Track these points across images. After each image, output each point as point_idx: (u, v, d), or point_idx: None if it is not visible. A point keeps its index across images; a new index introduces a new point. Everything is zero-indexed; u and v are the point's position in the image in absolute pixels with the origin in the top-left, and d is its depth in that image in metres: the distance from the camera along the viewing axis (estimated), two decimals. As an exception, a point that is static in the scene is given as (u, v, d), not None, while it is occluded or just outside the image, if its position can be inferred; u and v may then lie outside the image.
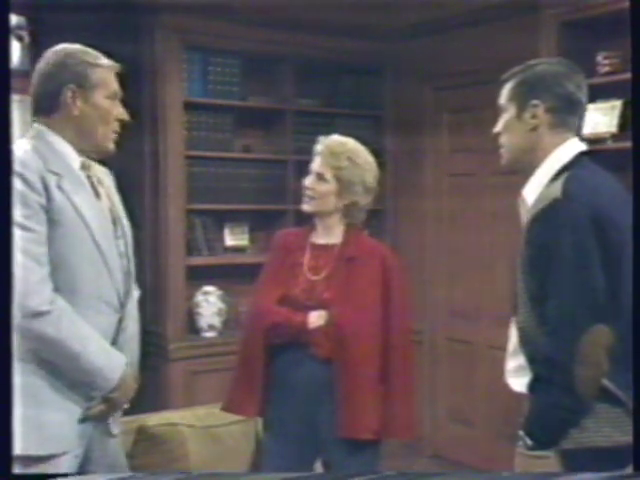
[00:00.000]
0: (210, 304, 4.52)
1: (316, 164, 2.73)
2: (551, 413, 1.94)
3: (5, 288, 1.93)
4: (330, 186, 2.70)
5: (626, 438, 1.91)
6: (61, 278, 2.14)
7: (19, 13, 4.22)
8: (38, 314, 2.09)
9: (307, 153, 4.75)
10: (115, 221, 2.32)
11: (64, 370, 2.16)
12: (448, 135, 4.94)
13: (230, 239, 4.83)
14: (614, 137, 3.58)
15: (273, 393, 2.68)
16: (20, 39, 4.26)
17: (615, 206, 1.97)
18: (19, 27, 4.25)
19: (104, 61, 2.28)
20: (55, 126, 2.24)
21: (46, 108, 2.27)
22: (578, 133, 2.14)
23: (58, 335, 2.12)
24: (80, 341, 2.16)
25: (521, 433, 1.98)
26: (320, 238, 2.75)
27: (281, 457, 2.67)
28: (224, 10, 4.39)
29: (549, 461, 1.94)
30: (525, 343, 2.02)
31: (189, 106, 4.47)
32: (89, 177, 2.28)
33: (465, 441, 4.62)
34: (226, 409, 2.80)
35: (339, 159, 2.70)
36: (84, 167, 2.27)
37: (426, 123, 5.03)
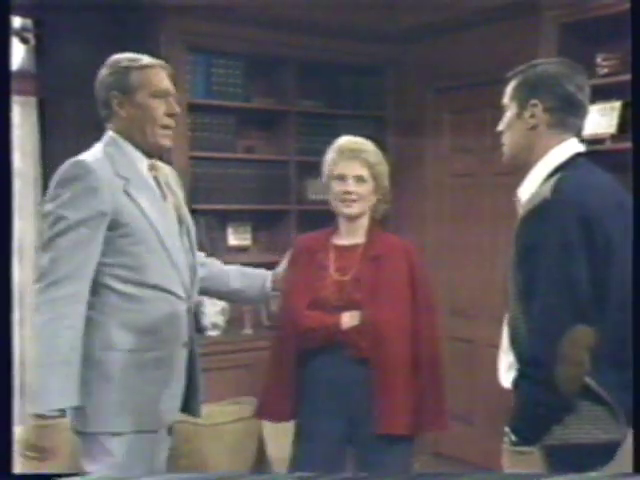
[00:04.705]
0: (213, 303, 4.54)
1: (351, 167, 2.72)
2: (533, 410, 1.95)
3: (5, 289, 1.96)
4: (369, 186, 2.73)
5: (606, 436, 1.92)
6: (130, 270, 2.29)
7: (25, 15, 4.24)
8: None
9: (309, 154, 4.81)
10: (180, 220, 2.47)
11: None
12: (449, 136, 4.96)
13: (233, 239, 4.87)
14: (613, 138, 3.61)
15: (307, 396, 2.68)
16: (25, 41, 4.28)
17: (606, 209, 1.96)
18: (25, 29, 4.26)
19: (143, 62, 2.38)
20: (118, 130, 2.37)
21: (105, 115, 2.40)
22: (578, 134, 2.14)
23: None
24: None
25: (506, 429, 2.00)
26: (343, 239, 2.76)
27: (315, 457, 2.67)
28: (227, 12, 4.42)
29: (533, 457, 1.95)
30: (513, 340, 2.03)
31: (192, 107, 4.49)
32: (156, 178, 2.42)
33: (466, 439, 4.64)
34: (260, 416, 2.82)
35: (371, 156, 2.74)
36: (152, 169, 2.41)
37: (427, 124, 5.06)
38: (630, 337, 1.95)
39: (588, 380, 1.92)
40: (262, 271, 2.80)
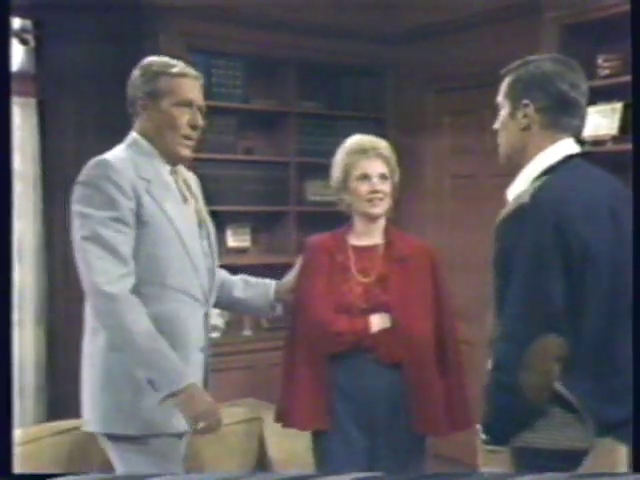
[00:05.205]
0: (213, 305, 4.54)
1: (374, 166, 2.68)
2: (499, 412, 1.93)
3: (5, 290, 1.95)
4: (390, 183, 2.71)
5: (572, 444, 1.89)
6: (151, 272, 2.28)
7: (24, 16, 4.24)
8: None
9: (309, 155, 4.81)
10: (200, 223, 2.48)
11: None
12: (449, 137, 4.97)
13: (232, 240, 4.87)
14: (614, 139, 3.61)
15: (337, 401, 2.61)
16: (25, 42, 4.28)
17: (586, 218, 1.87)
18: (24, 30, 4.26)
19: (174, 69, 2.39)
20: (142, 132, 2.38)
21: (131, 113, 2.41)
22: (576, 134, 2.04)
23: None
24: None
25: (478, 427, 1.99)
26: (360, 240, 2.71)
27: (338, 459, 2.63)
28: (227, 13, 4.43)
29: (501, 456, 1.94)
30: (490, 342, 1.99)
31: (192, 108, 4.50)
32: (177, 182, 2.42)
33: (466, 440, 4.64)
34: (291, 424, 2.68)
35: (388, 152, 2.73)
36: (173, 173, 2.42)
37: (427, 125, 5.06)
38: (608, 346, 1.90)
39: (559, 387, 1.88)
40: (266, 280, 2.76)
